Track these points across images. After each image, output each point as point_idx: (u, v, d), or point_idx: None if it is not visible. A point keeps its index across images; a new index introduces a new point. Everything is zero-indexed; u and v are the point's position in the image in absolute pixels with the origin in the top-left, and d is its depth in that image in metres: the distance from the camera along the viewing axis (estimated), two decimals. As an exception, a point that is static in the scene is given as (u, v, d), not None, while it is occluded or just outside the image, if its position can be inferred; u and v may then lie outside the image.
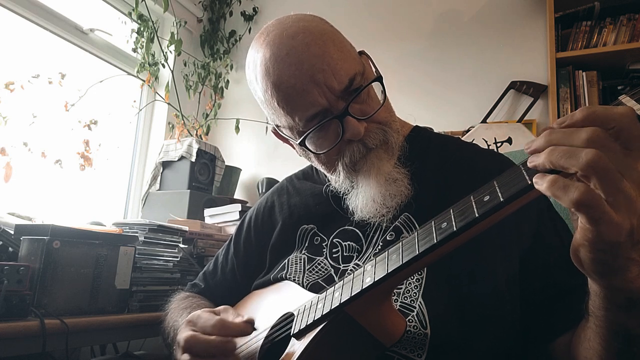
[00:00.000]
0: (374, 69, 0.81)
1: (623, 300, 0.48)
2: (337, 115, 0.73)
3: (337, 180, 0.82)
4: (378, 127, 0.78)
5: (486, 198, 0.48)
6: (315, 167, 1.00)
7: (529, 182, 0.45)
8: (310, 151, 0.79)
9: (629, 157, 0.41)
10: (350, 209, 0.80)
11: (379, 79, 0.77)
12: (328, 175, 0.85)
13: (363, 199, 0.77)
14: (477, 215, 0.48)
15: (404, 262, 0.54)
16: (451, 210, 0.52)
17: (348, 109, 0.73)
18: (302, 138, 0.77)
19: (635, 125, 0.42)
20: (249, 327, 0.72)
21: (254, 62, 0.78)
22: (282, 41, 0.74)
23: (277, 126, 0.84)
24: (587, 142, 0.41)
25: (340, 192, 0.83)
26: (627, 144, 0.41)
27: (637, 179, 0.41)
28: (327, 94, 0.72)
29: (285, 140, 0.88)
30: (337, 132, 0.75)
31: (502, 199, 0.46)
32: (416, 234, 0.55)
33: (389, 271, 0.56)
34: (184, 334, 0.72)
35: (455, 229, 0.49)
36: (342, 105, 0.73)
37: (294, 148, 0.88)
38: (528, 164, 0.45)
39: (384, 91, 0.79)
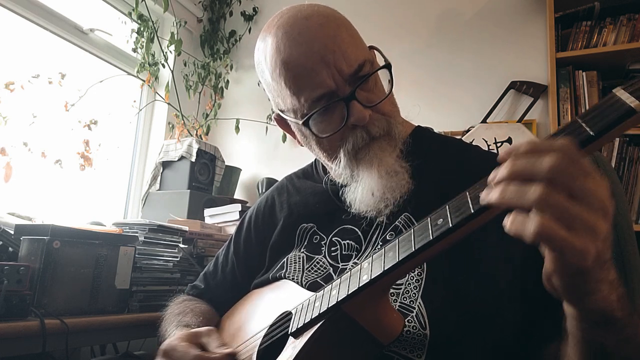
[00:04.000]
0: (383, 60, 0.81)
1: (598, 318, 0.49)
2: (344, 97, 0.73)
3: (336, 169, 0.81)
4: (382, 117, 0.77)
5: (482, 193, 0.48)
6: (315, 166, 1.00)
7: None
8: (314, 134, 0.78)
9: (583, 180, 0.42)
10: (348, 201, 0.80)
11: (388, 66, 0.78)
12: (328, 164, 0.84)
13: (362, 191, 0.77)
14: (472, 210, 0.48)
15: (400, 259, 0.54)
16: (447, 206, 0.52)
17: (355, 93, 0.73)
18: (306, 117, 0.76)
19: (578, 151, 0.43)
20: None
21: (264, 42, 0.79)
22: (296, 21, 0.74)
23: (281, 111, 0.84)
24: (550, 170, 0.41)
25: (339, 183, 0.83)
26: (578, 169, 0.42)
27: (593, 202, 0.42)
28: (335, 76, 0.72)
29: (287, 128, 0.87)
30: (341, 116, 0.75)
31: None
32: (412, 230, 0.55)
33: (385, 268, 0.55)
34: None
35: (451, 224, 0.49)
36: (349, 90, 0.73)
37: (295, 138, 0.87)
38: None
39: (391, 81, 0.79)
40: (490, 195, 0.45)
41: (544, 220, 0.41)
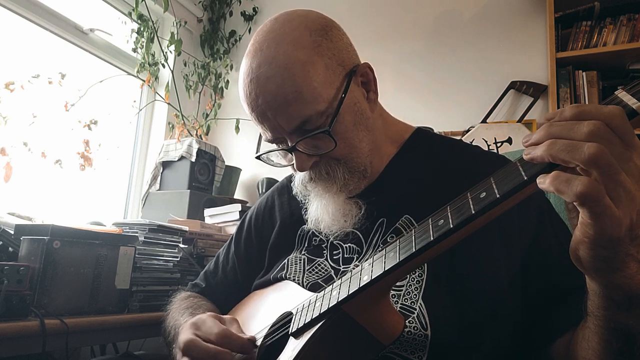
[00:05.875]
0: (364, 93, 0.79)
1: (622, 298, 0.48)
2: (287, 148, 0.76)
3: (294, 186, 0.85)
4: (332, 160, 0.77)
5: (482, 195, 0.48)
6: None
7: (525, 178, 0.45)
8: (271, 161, 0.84)
9: (627, 151, 0.41)
10: (305, 217, 0.85)
11: (326, 131, 0.73)
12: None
13: (316, 210, 0.82)
14: (473, 212, 0.48)
15: (400, 259, 0.54)
16: (448, 208, 0.52)
17: (296, 146, 0.75)
18: (257, 155, 0.82)
19: (626, 122, 0.42)
20: (250, 346, 0.72)
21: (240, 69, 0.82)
22: (252, 65, 0.74)
23: None
24: (588, 135, 0.41)
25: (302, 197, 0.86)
26: (622, 138, 0.41)
27: (635, 173, 0.41)
28: (277, 129, 0.75)
29: None
30: (290, 158, 0.79)
31: (498, 195, 0.46)
32: (413, 231, 0.55)
33: (385, 269, 0.56)
34: (185, 336, 0.73)
35: (451, 225, 0.49)
36: (294, 141, 0.75)
37: None
38: (524, 156, 0.45)
39: (333, 140, 0.74)
40: (534, 150, 0.44)
41: (592, 181, 0.40)
